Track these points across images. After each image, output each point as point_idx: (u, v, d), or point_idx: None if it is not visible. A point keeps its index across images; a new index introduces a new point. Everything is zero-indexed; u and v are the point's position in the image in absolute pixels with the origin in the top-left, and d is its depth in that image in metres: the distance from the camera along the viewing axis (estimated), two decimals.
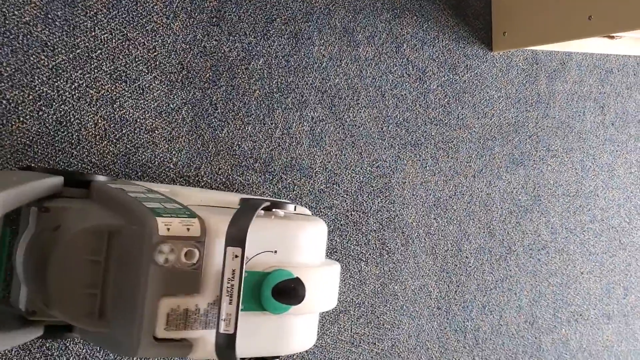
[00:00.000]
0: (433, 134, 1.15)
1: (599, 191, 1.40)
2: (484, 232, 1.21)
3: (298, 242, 0.71)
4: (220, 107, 0.94)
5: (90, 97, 0.84)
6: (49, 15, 0.81)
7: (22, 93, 0.79)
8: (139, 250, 0.59)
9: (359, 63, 1.07)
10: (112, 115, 0.86)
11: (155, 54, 0.89)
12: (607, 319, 1.41)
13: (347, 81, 1.05)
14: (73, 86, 0.83)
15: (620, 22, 1.04)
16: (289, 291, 0.65)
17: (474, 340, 1.20)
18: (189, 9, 0.91)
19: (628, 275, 1.45)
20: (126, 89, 0.87)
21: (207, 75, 0.93)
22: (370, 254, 1.07)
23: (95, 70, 0.85)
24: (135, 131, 0.87)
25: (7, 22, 0.79)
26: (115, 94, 0.86)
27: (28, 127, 0.80)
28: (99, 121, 0.85)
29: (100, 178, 0.71)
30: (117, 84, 0.86)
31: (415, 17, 1.13)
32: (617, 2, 1.03)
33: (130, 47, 0.87)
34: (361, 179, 1.07)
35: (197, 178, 0.92)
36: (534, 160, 1.28)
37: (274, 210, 0.72)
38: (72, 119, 0.83)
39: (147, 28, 0.88)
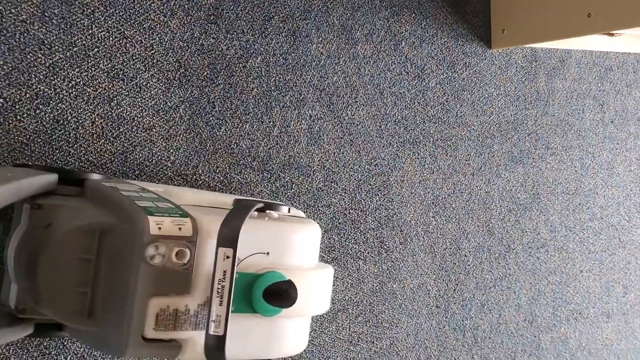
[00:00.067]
0: (432, 131, 1.14)
1: (599, 189, 1.39)
2: (483, 231, 1.21)
3: (291, 245, 0.70)
4: (218, 105, 0.94)
5: (88, 95, 0.84)
6: (46, 13, 0.81)
7: (19, 91, 0.80)
8: (130, 248, 0.59)
9: (357, 61, 1.07)
10: (110, 113, 0.86)
11: (153, 52, 0.89)
12: (607, 317, 1.41)
13: (345, 79, 1.05)
14: (70, 84, 0.83)
15: (620, 20, 1.04)
16: (281, 293, 0.65)
17: (473, 338, 1.20)
18: (186, 6, 0.91)
19: (627, 274, 1.44)
20: (123, 87, 0.87)
21: (205, 73, 0.93)
22: (368, 253, 1.07)
23: (93, 69, 0.85)
24: (133, 129, 0.87)
25: (3, 20, 0.79)
26: (113, 92, 0.86)
27: (25, 126, 0.80)
28: (96, 119, 0.85)
29: (95, 176, 0.71)
30: (114, 82, 0.86)
31: (413, 15, 1.13)
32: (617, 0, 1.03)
33: (128, 45, 0.87)
34: (359, 177, 1.07)
35: (194, 176, 0.92)
36: (533, 158, 1.28)
37: (267, 211, 0.72)
38: (69, 117, 0.83)
39: (144, 26, 0.88)
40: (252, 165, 0.96)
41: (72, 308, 0.63)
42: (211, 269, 0.61)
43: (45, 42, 0.81)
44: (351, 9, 1.06)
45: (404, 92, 1.11)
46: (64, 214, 0.64)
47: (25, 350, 0.79)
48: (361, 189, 1.07)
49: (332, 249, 1.04)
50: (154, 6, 0.89)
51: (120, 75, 0.87)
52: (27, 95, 0.80)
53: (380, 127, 1.08)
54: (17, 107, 0.80)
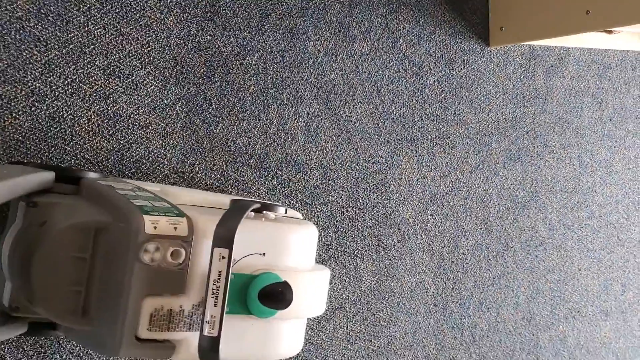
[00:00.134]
0: (429, 129, 1.14)
1: (597, 187, 1.39)
2: (481, 229, 1.20)
3: (287, 246, 0.70)
4: (214, 103, 0.93)
5: (84, 93, 0.84)
6: (42, 10, 0.81)
7: (14, 89, 0.79)
8: (124, 248, 0.59)
9: (355, 58, 1.06)
10: (106, 110, 0.85)
11: (149, 49, 0.89)
12: (605, 315, 1.40)
13: (342, 76, 1.05)
14: (66, 82, 0.83)
15: (619, 17, 1.03)
16: (276, 295, 0.64)
17: (471, 337, 1.19)
18: (183, 3, 0.91)
19: (626, 272, 1.44)
20: (120, 84, 0.86)
21: (202, 70, 0.93)
22: (366, 251, 1.07)
23: (89, 66, 0.84)
24: (129, 127, 0.87)
25: None
26: (109, 90, 0.86)
27: (21, 123, 0.79)
28: (92, 117, 0.84)
29: (92, 175, 0.71)
30: (110, 80, 0.86)
31: (411, 12, 1.12)
32: None
33: (124, 42, 0.87)
34: (357, 175, 1.06)
35: (191, 174, 0.91)
36: (532, 156, 1.28)
37: (264, 212, 0.71)
38: (65, 115, 0.82)
39: (140, 23, 0.88)
40: (249, 163, 0.96)
41: (66, 307, 0.62)
42: (206, 269, 0.61)
43: (41, 39, 0.81)
44: (348, 6, 1.05)
45: (401, 89, 1.11)
46: (59, 212, 0.64)
47: (21, 349, 0.79)
48: (359, 186, 1.06)
49: (330, 247, 1.03)
50: (150, 3, 0.89)
51: (116, 73, 0.86)
52: (23, 92, 0.80)
53: (378, 124, 1.08)
54: (12, 104, 0.79)
